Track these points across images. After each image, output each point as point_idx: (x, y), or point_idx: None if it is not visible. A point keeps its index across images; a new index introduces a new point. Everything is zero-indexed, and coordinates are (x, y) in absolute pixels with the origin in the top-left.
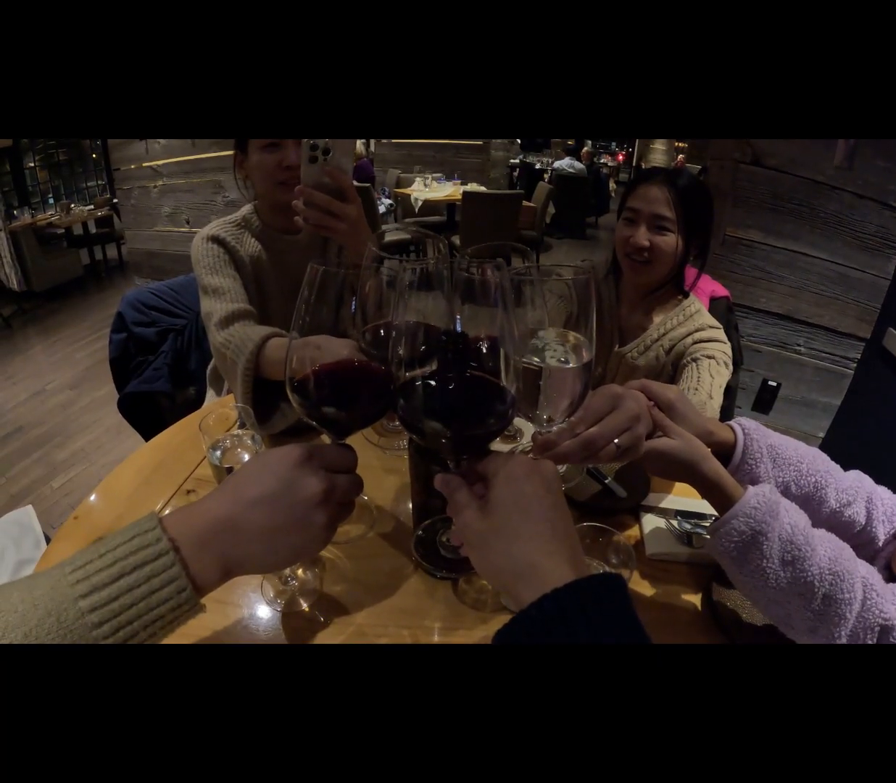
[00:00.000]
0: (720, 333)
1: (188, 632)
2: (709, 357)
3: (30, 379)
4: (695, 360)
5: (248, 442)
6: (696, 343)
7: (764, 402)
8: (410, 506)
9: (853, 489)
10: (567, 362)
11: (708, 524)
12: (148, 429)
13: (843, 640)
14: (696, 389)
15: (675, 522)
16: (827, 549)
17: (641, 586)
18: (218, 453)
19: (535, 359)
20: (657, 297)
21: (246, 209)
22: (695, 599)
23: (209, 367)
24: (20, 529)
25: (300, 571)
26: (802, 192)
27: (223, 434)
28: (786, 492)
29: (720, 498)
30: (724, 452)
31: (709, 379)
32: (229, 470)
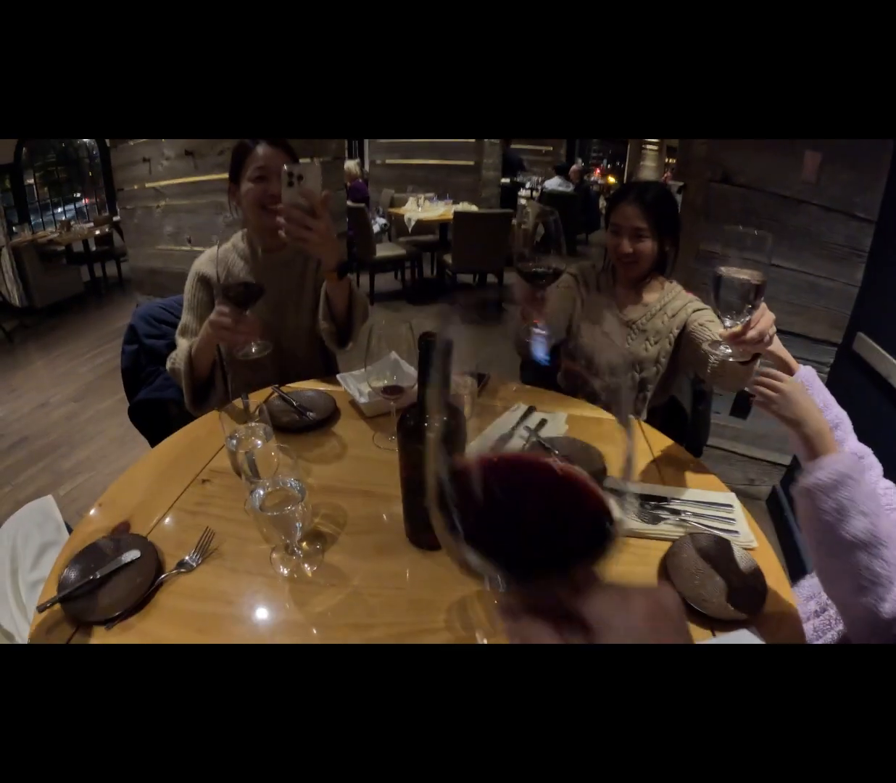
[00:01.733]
0: (700, 303)
1: (206, 596)
2: (710, 321)
3: (33, 392)
4: (701, 325)
5: (260, 432)
6: (695, 311)
7: (741, 408)
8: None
9: (865, 451)
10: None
11: (669, 507)
12: (156, 437)
13: (888, 606)
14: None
15: (636, 503)
16: (894, 520)
17: None
18: (234, 441)
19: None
20: (646, 282)
21: (236, 236)
22: (650, 566)
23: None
24: (43, 516)
25: (304, 544)
26: (771, 207)
27: (240, 425)
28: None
29: (817, 444)
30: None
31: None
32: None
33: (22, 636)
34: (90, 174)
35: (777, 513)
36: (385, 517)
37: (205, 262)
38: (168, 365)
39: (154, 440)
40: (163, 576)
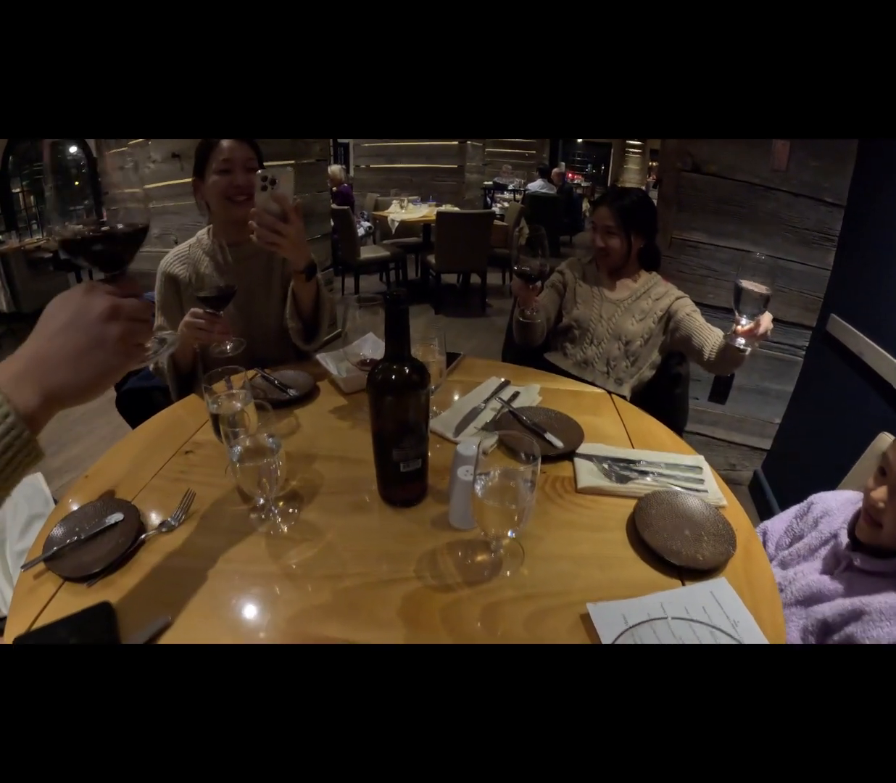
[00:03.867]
0: (679, 291)
1: (186, 553)
2: (694, 310)
3: None
4: (688, 314)
5: (241, 397)
6: (678, 299)
7: (719, 393)
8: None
9: None
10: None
11: (638, 468)
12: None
13: None
14: (710, 328)
15: (605, 465)
16: None
17: (575, 513)
18: (215, 405)
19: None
20: (625, 270)
21: (201, 232)
22: (619, 523)
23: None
24: (32, 489)
25: (281, 503)
26: (741, 194)
27: (221, 392)
28: None
29: None
30: None
31: (705, 322)
32: (221, 418)
33: (6, 603)
34: (77, 184)
35: (760, 497)
36: (359, 479)
37: (171, 261)
38: (151, 366)
39: None
40: (144, 535)
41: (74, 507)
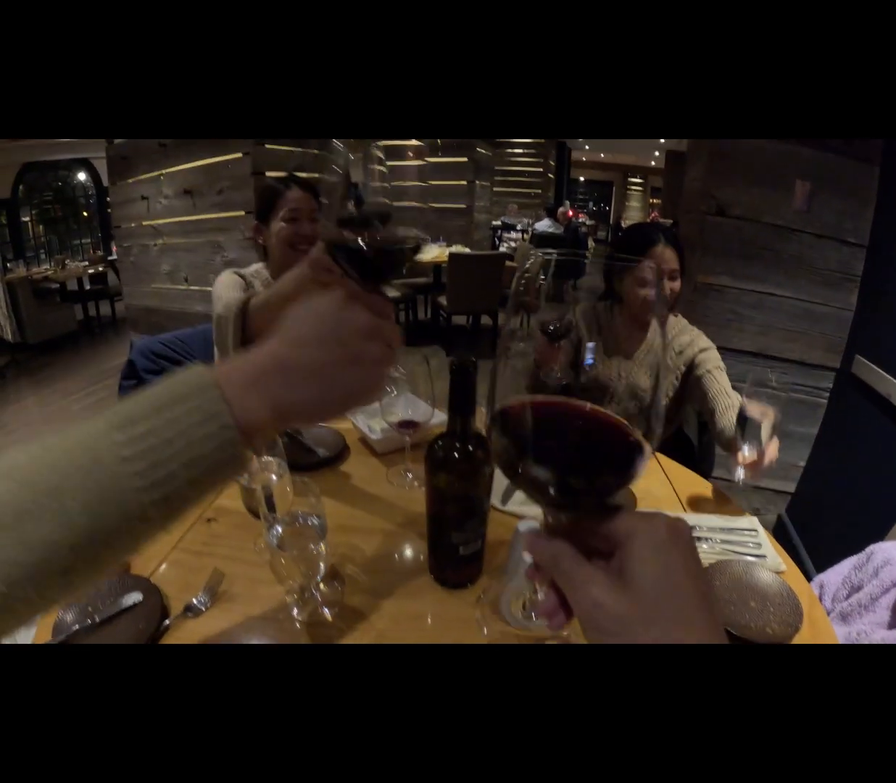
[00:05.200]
0: (706, 340)
1: (216, 642)
2: (717, 368)
3: (24, 428)
4: (708, 371)
5: (275, 467)
6: (701, 352)
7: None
8: (420, 531)
9: None
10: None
11: (696, 535)
12: None
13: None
14: (728, 394)
15: None
16: None
17: None
18: (246, 475)
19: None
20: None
21: (258, 265)
22: None
23: None
24: None
25: (323, 586)
26: (765, 237)
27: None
28: None
29: None
30: None
31: (727, 383)
32: (260, 491)
33: None
34: (85, 214)
35: (785, 541)
36: (403, 555)
37: (231, 274)
38: (215, 334)
39: None
40: (168, 620)
41: None
